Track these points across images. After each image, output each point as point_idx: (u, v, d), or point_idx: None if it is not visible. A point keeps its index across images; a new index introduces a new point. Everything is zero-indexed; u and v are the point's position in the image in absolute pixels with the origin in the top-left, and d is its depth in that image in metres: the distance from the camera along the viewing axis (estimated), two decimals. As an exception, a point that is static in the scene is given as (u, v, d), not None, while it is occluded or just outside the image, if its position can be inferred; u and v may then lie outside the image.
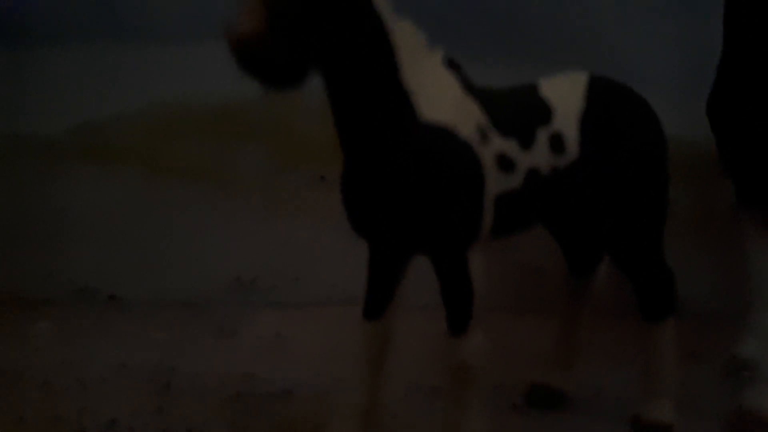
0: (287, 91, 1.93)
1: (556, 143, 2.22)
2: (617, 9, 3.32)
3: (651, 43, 3.30)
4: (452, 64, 2.14)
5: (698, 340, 3.03)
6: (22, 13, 3.29)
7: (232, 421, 2.58)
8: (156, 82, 3.42)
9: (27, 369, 2.88)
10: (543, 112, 2.24)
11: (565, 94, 2.29)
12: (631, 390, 2.64)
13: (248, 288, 3.57)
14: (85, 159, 3.48)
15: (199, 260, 3.53)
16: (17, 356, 2.97)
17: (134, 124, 3.49)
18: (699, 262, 3.30)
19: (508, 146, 2.14)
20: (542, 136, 2.21)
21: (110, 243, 3.53)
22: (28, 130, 3.41)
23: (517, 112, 2.21)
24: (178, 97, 3.47)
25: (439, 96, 2.05)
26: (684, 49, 3.28)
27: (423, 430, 2.49)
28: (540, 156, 2.19)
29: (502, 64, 3.12)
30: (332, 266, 3.47)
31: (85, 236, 3.52)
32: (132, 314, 3.43)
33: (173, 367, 2.94)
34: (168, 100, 3.47)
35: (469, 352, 2.15)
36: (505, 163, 2.13)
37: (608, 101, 2.33)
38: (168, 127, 3.50)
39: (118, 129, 3.49)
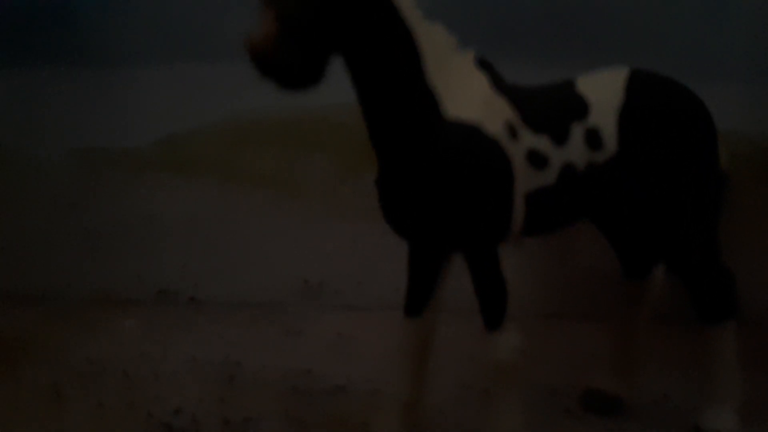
0: (302, 92, 2.05)
1: (593, 138, 2.19)
2: (682, 2, 3.23)
3: (719, 35, 3.17)
4: (483, 64, 2.18)
5: (764, 349, 2.87)
6: (112, 36, 3.62)
7: (286, 413, 2.71)
8: (230, 98, 3.66)
9: (109, 361, 3.15)
10: (578, 108, 2.22)
11: (603, 89, 2.25)
12: (692, 398, 2.55)
13: (315, 291, 3.72)
14: (168, 169, 3.76)
15: (270, 264, 3.72)
16: (103, 349, 3.25)
17: (211, 137, 3.73)
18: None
19: (540, 142, 2.14)
20: (577, 132, 2.19)
21: (190, 248, 3.79)
22: (117, 143, 3.73)
23: (551, 108, 2.21)
24: (250, 111, 3.69)
25: (466, 95, 2.09)
26: (751, 41, 3.13)
27: (469, 428, 2.51)
28: (575, 151, 2.17)
29: (567, 64, 3.08)
30: (395, 270, 3.54)
31: (168, 241, 3.79)
32: (208, 314, 3.65)
33: (239, 362, 3.12)
34: (241, 114, 3.70)
35: (504, 349, 2.17)
36: (536, 159, 2.14)
37: (650, 95, 2.26)
38: (241, 138, 3.72)
39: (197, 141, 3.75)
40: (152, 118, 3.68)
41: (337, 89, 3.61)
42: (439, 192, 2.08)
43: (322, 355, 3.16)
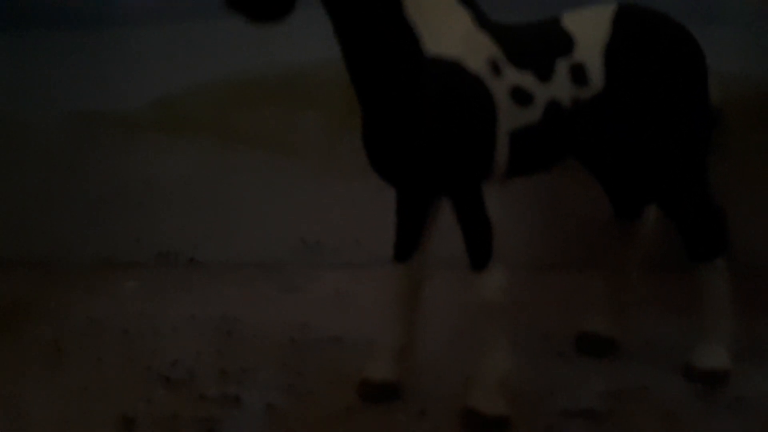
0: (273, 23, 2.03)
1: (578, 74, 2.17)
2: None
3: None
4: (465, 0, 2.14)
5: (760, 292, 2.86)
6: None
7: (283, 363, 2.74)
8: (223, 57, 3.64)
9: (109, 319, 3.18)
10: (563, 44, 2.19)
11: (589, 24, 2.22)
12: (685, 338, 2.56)
13: (312, 249, 3.73)
14: (163, 130, 3.76)
15: (267, 223, 3.73)
16: (104, 309, 3.29)
17: (205, 97, 3.72)
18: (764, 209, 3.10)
19: (524, 79, 2.12)
20: (562, 68, 2.16)
21: (188, 209, 3.80)
22: (111, 105, 3.73)
23: (535, 44, 2.18)
24: (243, 70, 3.67)
25: (447, 31, 2.06)
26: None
27: (462, 374, 2.53)
28: (560, 88, 2.15)
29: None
30: (391, 227, 3.55)
31: (166, 203, 3.80)
32: (206, 274, 3.67)
33: (236, 317, 3.15)
34: (234, 73, 3.68)
35: (490, 288, 2.17)
36: (520, 96, 2.11)
37: (637, 29, 2.22)
38: (235, 98, 3.71)
39: (192, 102, 3.74)
40: (146, 79, 3.67)
41: (329, 45, 3.59)
42: (421, 130, 2.07)
43: (318, 310, 3.19)
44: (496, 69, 2.10)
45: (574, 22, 2.25)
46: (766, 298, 2.89)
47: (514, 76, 2.12)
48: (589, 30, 2.22)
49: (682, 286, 2.60)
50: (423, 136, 2.07)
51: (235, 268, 3.68)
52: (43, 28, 3.63)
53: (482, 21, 2.15)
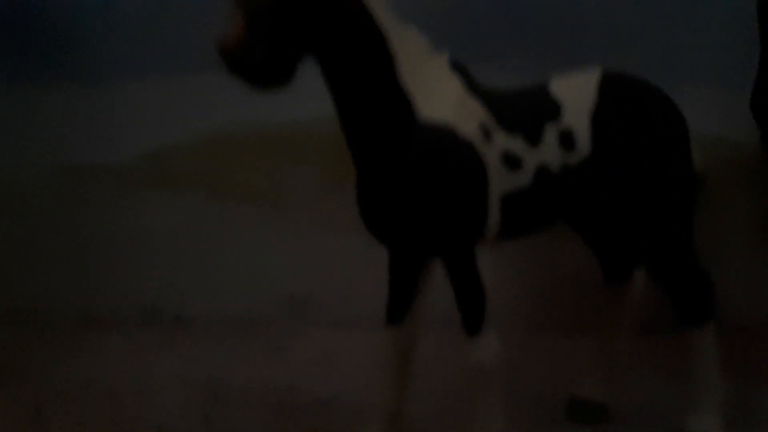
0: (273, 90, 2.04)
1: (566, 139, 2.20)
2: (659, 9, 3.25)
3: (691, 40, 3.20)
4: (457, 67, 2.18)
5: (751, 354, 2.85)
6: (94, 52, 3.62)
7: (271, 428, 2.66)
8: (214, 111, 3.65)
9: (92, 380, 3.10)
10: (551, 109, 2.22)
11: (576, 90, 2.26)
12: (676, 404, 2.53)
13: (301, 306, 3.68)
14: (153, 184, 3.74)
15: (256, 279, 3.69)
16: (85, 368, 3.21)
17: (196, 151, 3.72)
18: (750, 270, 3.11)
19: (514, 143, 2.14)
20: (551, 133, 2.19)
21: (176, 264, 3.75)
22: (102, 159, 3.71)
23: (524, 109, 2.21)
24: (234, 124, 3.68)
25: (440, 96, 2.10)
26: (726, 45, 3.15)
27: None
28: (549, 153, 2.18)
29: (534, 67, 3.10)
30: (382, 284, 3.53)
31: (153, 258, 3.75)
32: (193, 331, 3.61)
33: (222, 378, 3.08)
34: (225, 127, 3.69)
35: (483, 352, 2.15)
36: (511, 161, 2.14)
37: (623, 96, 2.27)
38: (226, 152, 3.71)
39: (182, 155, 3.73)
40: (137, 132, 3.66)
41: (321, 101, 3.61)
42: (413, 193, 2.08)
43: (306, 371, 3.13)
44: (487, 134, 2.13)
45: (561, 88, 2.29)
46: (755, 358, 2.87)
47: (504, 141, 2.14)
48: (576, 96, 2.26)
49: (674, 348, 2.59)
50: (416, 199, 2.08)
51: (222, 325, 3.62)
52: (33, 81, 3.63)
53: (473, 87, 2.19)
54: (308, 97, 3.72)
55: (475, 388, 2.19)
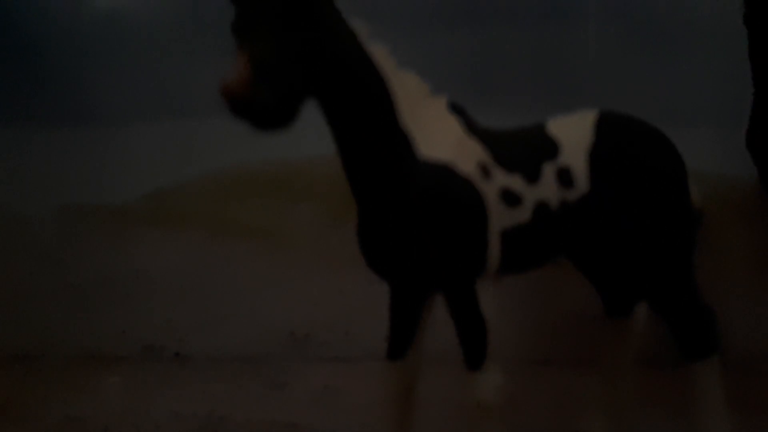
0: (277, 131, 2.08)
1: (564, 177, 2.23)
2: (652, 50, 3.33)
3: (685, 81, 3.27)
4: (456, 109, 2.23)
5: (757, 390, 2.83)
6: (99, 95, 3.71)
7: (270, 465, 2.64)
8: (216, 152, 3.73)
9: (90, 418, 3.08)
10: (549, 148, 2.26)
11: (573, 130, 2.30)
12: (681, 438, 2.50)
13: (301, 342, 3.68)
14: (155, 224, 3.79)
15: (256, 316, 3.70)
16: (84, 407, 3.18)
17: (198, 191, 3.78)
18: (750, 305, 3.12)
19: (513, 181, 2.18)
20: (549, 171, 2.22)
21: (177, 302, 3.77)
22: (104, 199, 3.77)
23: (522, 149, 2.25)
24: (236, 165, 3.75)
25: (439, 137, 2.14)
26: (719, 85, 3.23)
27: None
28: (548, 190, 2.20)
29: (534, 109, 3.17)
30: (382, 320, 3.52)
31: (154, 296, 3.77)
32: (192, 369, 3.59)
33: (222, 416, 3.05)
34: (227, 168, 3.76)
35: (485, 388, 2.14)
36: (510, 198, 2.16)
37: (619, 135, 2.31)
38: (228, 192, 3.77)
39: (184, 195, 3.79)
40: (139, 173, 3.73)
41: (322, 141, 3.67)
42: (415, 229, 2.10)
43: (308, 408, 3.10)
44: (485, 172, 2.16)
45: (559, 127, 2.33)
46: (757, 393, 2.85)
47: (503, 179, 2.18)
48: (573, 135, 2.30)
49: (677, 383, 2.56)
50: (417, 235, 2.10)
51: (222, 362, 3.61)
52: (37, 123, 3.72)
53: (472, 127, 2.24)
54: (309, 137, 3.82)
55: (478, 424, 2.17)
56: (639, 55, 3.35)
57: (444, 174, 2.11)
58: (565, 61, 3.39)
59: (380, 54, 2.14)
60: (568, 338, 3.31)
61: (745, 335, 3.01)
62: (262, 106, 1.96)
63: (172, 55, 3.67)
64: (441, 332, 2.42)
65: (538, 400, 2.97)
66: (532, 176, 2.21)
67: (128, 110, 3.71)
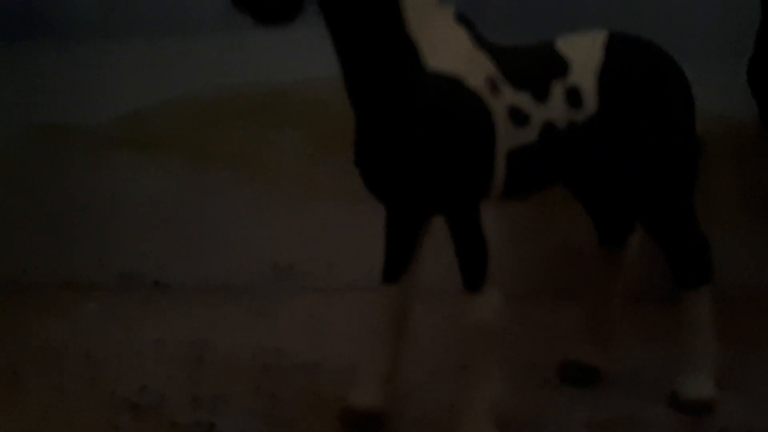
0: (280, 26, 1.97)
1: (573, 96, 2.18)
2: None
3: (691, 17, 3.21)
4: (464, 20, 2.14)
5: (745, 323, 2.90)
6: (71, 9, 3.49)
7: (258, 389, 2.62)
8: (196, 73, 3.55)
9: (71, 344, 3.01)
10: (558, 66, 2.20)
11: (582, 49, 2.24)
12: (670, 367, 2.54)
13: (285, 273, 3.62)
14: (132, 147, 3.63)
15: (238, 246, 3.61)
16: (65, 333, 3.11)
17: (178, 114, 3.62)
18: (746, 242, 3.16)
19: (521, 99, 2.11)
20: (558, 90, 2.17)
21: (155, 229, 3.65)
22: (77, 120, 3.58)
23: (531, 66, 2.18)
24: (218, 87, 3.59)
25: (447, 48, 2.05)
26: (724, 15, 3.17)
27: (447, 402, 2.46)
28: (556, 109, 2.15)
29: (531, 31, 3.09)
30: (367, 251, 3.47)
31: (132, 223, 3.65)
32: (174, 297, 3.52)
33: (207, 341, 3.01)
34: (209, 90, 3.59)
35: (485, 310, 2.12)
36: (517, 116, 2.10)
37: (629, 55, 2.26)
38: (210, 115, 3.62)
39: (163, 118, 3.62)
40: (116, 93, 3.54)
41: (308, 65, 3.53)
42: (421, 145, 2.02)
43: (293, 335, 3.07)
44: (494, 88, 2.09)
45: (568, 46, 2.27)
46: (744, 326, 2.92)
47: (511, 96, 2.11)
48: (583, 54, 2.24)
49: (666, 315, 2.60)
50: (423, 152, 2.03)
51: (203, 291, 3.54)
52: (6, 37, 3.48)
53: (480, 40, 2.15)
54: (296, 61, 3.69)
55: (474, 349, 2.16)
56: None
57: (453, 87, 2.02)
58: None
59: None
60: (558, 269, 3.32)
61: (737, 270, 3.06)
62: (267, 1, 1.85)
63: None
64: (433, 265, 2.40)
65: (526, 331, 2.98)
66: (541, 95, 2.15)
67: (105, 23, 3.48)
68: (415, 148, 2.03)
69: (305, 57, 3.42)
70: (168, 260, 3.64)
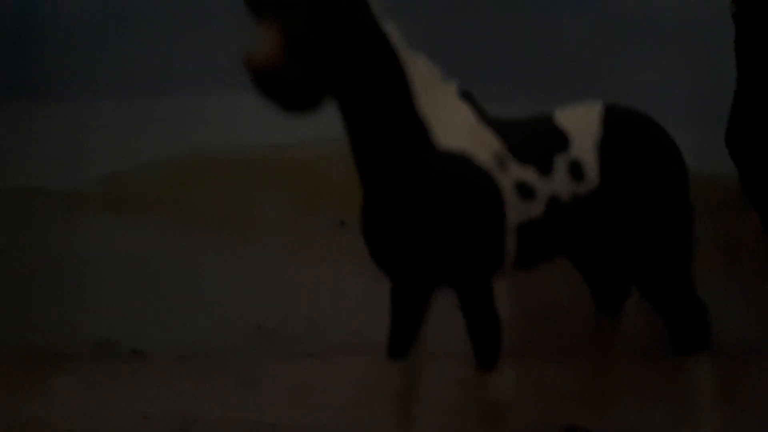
0: (303, 114, 1.95)
1: (576, 170, 2.21)
2: (632, 45, 3.36)
3: (667, 78, 3.33)
4: (466, 96, 2.16)
5: (738, 380, 2.92)
6: (47, 71, 3.40)
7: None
8: (178, 134, 3.50)
9: (49, 422, 2.84)
10: (560, 140, 2.23)
11: (580, 122, 2.28)
12: (669, 430, 2.54)
13: (269, 337, 3.53)
14: (109, 210, 3.52)
15: (219, 310, 3.52)
16: (39, 412, 2.93)
17: (156, 175, 3.55)
18: (728, 298, 3.22)
19: (527, 173, 2.13)
20: (561, 164, 2.20)
21: (132, 294, 3.54)
22: (54, 183, 3.47)
23: (534, 140, 2.21)
24: (200, 148, 3.54)
25: (454, 125, 2.07)
26: (701, 83, 3.29)
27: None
28: (560, 183, 2.18)
29: (517, 99, 3.15)
30: (354, 312, 3.44)
31: (108, 288, 3.52)
32: (153, 366, 3.38)
33: (195, 417, 2.88)
34: (190, 151, 3.54)
35: (498, 389, 2.10)
36: (525, 191, 2.12)
37: (626, 128, 2.30)
38: (189, 177, 3.56)
39: (141, 180, 3.55)
40: (93, 155, 3.45)
41: (292, 127, 3.51)
42: (433, 222, 2.02)
43: (285, 406, 2.97)
44: (501, 163, 2.11)
45: (567, 119, 2.30)
46: (740, 385, 2.95)
47: (518, 171, 2.13)
48: (582, 127, 2.27)
49: (667, 371, 2.60)
50: (436, 228, 2.02)
51: (184, 358, 3.41)
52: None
53: (483, 115, 2.17)
54: (278, 123, 3.66)
55: (486, 424, 2.13)
56: (623, 49, 3.37)
57: (463, 164, 2.04)
58: (545, 53, 3.37)
59: (395, 35, 2.04)
60: (557, 332, 3.32)
61: (724, 329, 3.10)
62: (295, 86, 1.82)
63: (132, 29, 3.40)
64: (439, 327, 2.37)
65: (523, 393, 2.95)
66: (545, 169, 2.17)
67: (82, 86, 3.41)
68: (426, 224, 2.02)
69: (288, 120, 3.41)
70: (146, 327, 3.51)
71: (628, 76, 3.31)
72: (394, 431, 2.26)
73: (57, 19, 3.37)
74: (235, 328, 3.50)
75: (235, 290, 3.53)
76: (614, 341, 2.61)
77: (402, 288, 2.25)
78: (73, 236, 3.48)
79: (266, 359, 3.40)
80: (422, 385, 2.30)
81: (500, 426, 2.13)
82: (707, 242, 3.29)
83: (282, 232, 3.54)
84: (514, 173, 2.12)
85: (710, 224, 3.27)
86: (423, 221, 2.02)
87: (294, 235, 3.54)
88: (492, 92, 3.01)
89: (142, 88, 3.44)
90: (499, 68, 3.33)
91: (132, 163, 3.49)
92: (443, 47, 3.28)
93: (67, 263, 3.48)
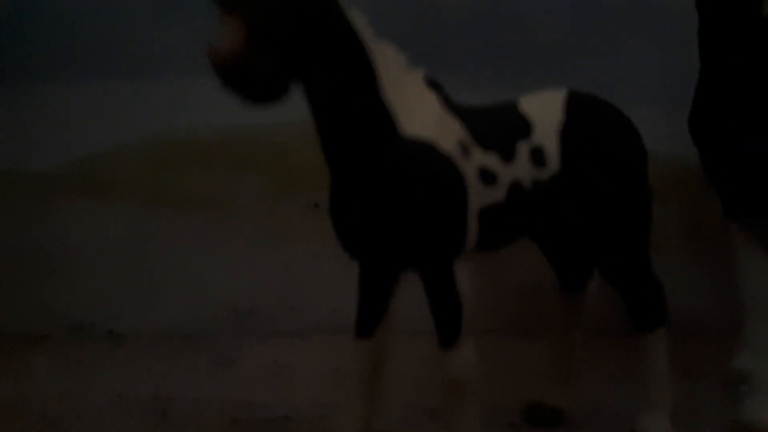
0: (268, 106, 1.98)
1: (537, 156, 2.27)
2: (601, 30, 3.40)
3: (635, 62, 3.38)
4: (432, 83, 2.20)
5: (692, 356, 3.03)
6: (19, 50, 3.37)
7: (229, 447, 2.57)
8: (152, 115, 3.48)
9: (24, 402, 2.87)
10: (523, 127, 2.29)
11: (544, 109, 2.34)
12: (629, 405, 2.64)
13: (245, 317, 3.57)
14: (82, 193, 3.52)
15: (195, 291, 3.54)
16: (15, 392, 2.96)
17: (131, 157, 3.54)
18: (689, 278, 3.31)
19: (490, 160, 2.19)
20: (523, 150, 2.26)
21: (107, 277, 3.55)
22: (25, 165, 3.45)
23: (497, 127, 2.27)
24: (173, 130, 3.53)
25: (420, 112, 2.11)
26: (667, 67, 3.35)
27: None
28: (522, 169, 2.24)
29: (487, 86, 3.19)
30: (329, 293, 3.48)
31: (82, 271, 3.53)
32: (130, 347, 3.42)
33: (170, 396, 2.93)
34: (164, 132, 3.53)
35: (459, 366, 2.17)
36: (487, 176, 2.18)
37: (588, 115, 2.37)
38: (164, 159, 3.55)
39: (115, 162, 3.54)
40: (66, 137, 3.43)
41: (269, 109, 3.52)
42: (399, 208, 2.08)
43: (259, 385, 3.03)
44: (465, 150, 2.16)
45: (530, 105, 2.36)
46: (699, 359, 3.06)
47: (480, 157, 2.18)
48: (545, 114, 2.34)
49: (626, 348, 2.69)
50: (401, 213, 2.07)
51: (161, 340, 3.45)
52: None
53: (449, 103, 2.22)
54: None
55: (449, 403, 2.21)
56: (589, 33, 3.41)
57: (426, 152, 2.09)
58: (514, 38, 3.40)
59: (361, 23, 2.07)
60: (514, 307, 3.39)
61: (686, 308, 3.20)
62: (259, 77, 1.85)
63: (107, 11, 3.38)
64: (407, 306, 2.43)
65: (488, 370, 3.04)
66: (508, 155, 2.23)
67: (56, 66, 3.37)
68: (394, 210, 2.07)
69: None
70: (122, 308, 3.54)
71: (600, 63, 3.36)
72: (361, 407, 2.34)
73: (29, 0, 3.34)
74: (211, 308, 3.54)
75: (211, 271, 3.55)
76: (577, 320, 2.71)
77: (368, 270, 2.32)
78: (48, 218, 3.47)
79: (242, 339, 3.45)
80: (389, 362, 2.38)
81: (463, 401, 2.20)
82: (673, 224, 3.40)
83: (257, 214, 3.55)
84: (477, 160, 2.18)
85: (675, 206, 3.37)
86: (387, 207, 2.07)
87: (269, 216, 3.56)
88: (462, 80, 3.07)
89: (117, 69, 3.42)
90: (469, 55, 3.36)
91: (105, 145, 3.47)
92: (413, 34, 3.31)
93: (42, 245, 3.48)
